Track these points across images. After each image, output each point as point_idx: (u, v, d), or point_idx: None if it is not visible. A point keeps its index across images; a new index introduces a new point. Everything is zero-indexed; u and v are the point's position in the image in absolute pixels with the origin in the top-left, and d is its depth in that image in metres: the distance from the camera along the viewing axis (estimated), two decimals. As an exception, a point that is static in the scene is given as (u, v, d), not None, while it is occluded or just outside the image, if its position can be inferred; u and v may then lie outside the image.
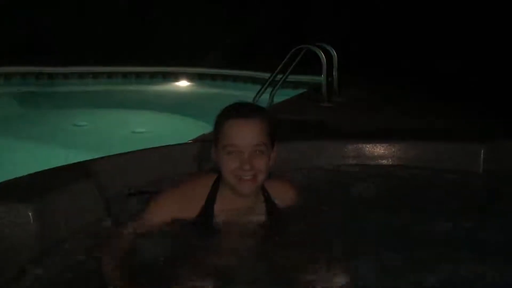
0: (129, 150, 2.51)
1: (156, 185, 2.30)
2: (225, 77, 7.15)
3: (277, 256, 1.85)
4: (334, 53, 4.77)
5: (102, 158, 2.36)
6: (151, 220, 1.91)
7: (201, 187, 1.97)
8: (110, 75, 7.33)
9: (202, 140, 2.82)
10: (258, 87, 4.85)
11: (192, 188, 2.00)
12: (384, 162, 2.66)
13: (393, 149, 2.65)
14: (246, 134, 1.86)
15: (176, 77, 7.35)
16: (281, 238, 1.95)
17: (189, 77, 7.33)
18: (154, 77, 7.39)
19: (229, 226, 1.96)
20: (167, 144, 2.67)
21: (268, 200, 2.02)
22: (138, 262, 1.79)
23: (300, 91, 5.71)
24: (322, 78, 4.64)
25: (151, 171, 2.40)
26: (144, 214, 1.94)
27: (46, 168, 2.22)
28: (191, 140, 2.97)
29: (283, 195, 2.06)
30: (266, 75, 5.04)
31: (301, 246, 1.89)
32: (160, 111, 5.81)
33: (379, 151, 2.66)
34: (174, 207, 1.93)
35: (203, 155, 2.51)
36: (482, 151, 2.59)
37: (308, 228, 2.02)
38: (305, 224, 2.04)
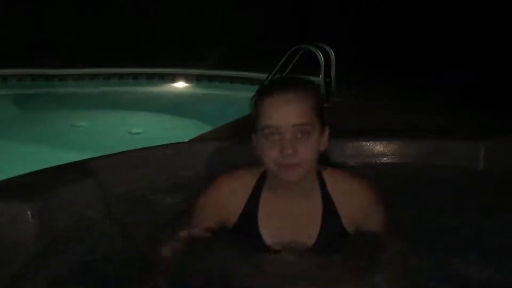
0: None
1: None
2: (222, 78, 7.14)
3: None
4: (332, 53, 4.76)
5: (101, 156, 2.35)
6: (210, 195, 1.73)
7: (250, 177, 1.72)
8: (107, 76, 7.32)
9: (200, 139, 2.81)
10: (256, 88, 4.81)
11: (242, 176, 1.74)
12: (384, 160, 2.65)
13: (393, 147, 2.63)
14: (285, 112, 1.52)
15: (173, 78, 7.34)
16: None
17: (186, 78, 7.32)
18: (151, 78, 7.39)
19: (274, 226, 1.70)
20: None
21: (324, 193, 1.68)
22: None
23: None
24: (320, 78, 4.63)
25: (151, 170, 2.38)
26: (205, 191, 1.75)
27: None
28: (189, 140, 2.95)
29: (349, 191, 1.68)
30: (264, 75, 5.02)
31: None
32: (157, 112, 5.81)
33: (378, 149, 2.64)
34: (228, 187, 1.72)
35: (204, 154, 2.50)
36: (482, 148, 2.58)
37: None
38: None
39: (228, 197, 1.72)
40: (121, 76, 7.38)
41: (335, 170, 1.75)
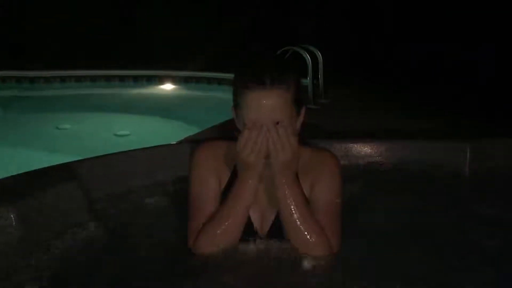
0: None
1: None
2: (210, 80, 7.13)
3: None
4: (319, 55, 4.77)
5: (87, 159, 2.33)
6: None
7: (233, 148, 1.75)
8: (93, 78, 7.26)
9: (188, 141, 2.79)
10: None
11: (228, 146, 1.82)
12: (371, 161, 2.66)
13: (380, 148, 2.65)
14: (267, 109, 1.61)
15: (160, 80, 7.31)
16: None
17: (174, 80, 7.30)
18: (138, 80, 7.35)
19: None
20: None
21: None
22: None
23: (286, 93, 5.68)
24: (308, 80, 4.64)
25: (137, 172, 2.37)
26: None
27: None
28: (176, 142, 2.93)
29: (312, 162, 1.77)
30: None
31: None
32: (144, 114, 5.78)
33: (366, 151, 2.65)
34: (213, 153, 1.81)
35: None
36: (468, 149, 2.60)
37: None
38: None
39: (215, 163, 1.80)
40: (107, 78, 7.33)
41: (303, 146, 1.77)
